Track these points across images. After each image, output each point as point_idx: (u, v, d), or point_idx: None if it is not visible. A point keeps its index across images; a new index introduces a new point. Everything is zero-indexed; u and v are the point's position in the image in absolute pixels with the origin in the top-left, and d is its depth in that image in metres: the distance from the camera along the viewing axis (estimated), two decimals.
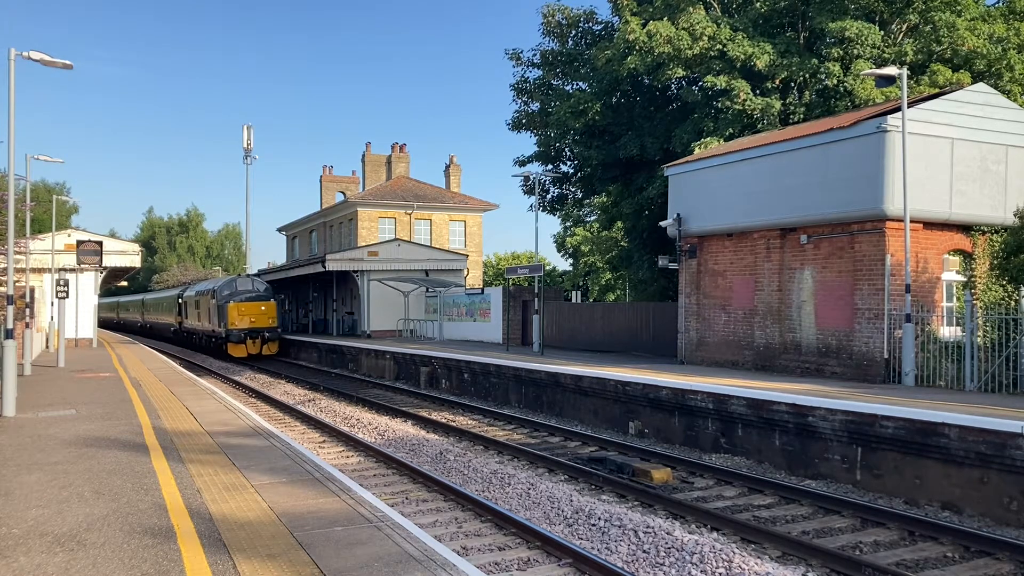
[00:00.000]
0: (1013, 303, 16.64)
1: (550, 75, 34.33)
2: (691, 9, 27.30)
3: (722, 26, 26.82)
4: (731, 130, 26.32)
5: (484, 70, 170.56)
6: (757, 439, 14.04)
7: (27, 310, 29.31)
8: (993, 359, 14.93)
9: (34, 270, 33.26)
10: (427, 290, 38.37)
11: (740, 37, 26.31)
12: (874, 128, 16.65)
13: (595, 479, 12.26)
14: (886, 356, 16.50)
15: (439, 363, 25.62)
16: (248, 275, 44.90)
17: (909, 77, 21.61)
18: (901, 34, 27.09)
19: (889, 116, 16.54)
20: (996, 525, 10.09)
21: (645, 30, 26.77)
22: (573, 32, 33.89)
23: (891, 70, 16.71)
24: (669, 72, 27.30)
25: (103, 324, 77.70)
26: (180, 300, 50.14)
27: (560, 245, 75.28)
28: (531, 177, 32.72)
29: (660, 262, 24.46)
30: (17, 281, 24.99)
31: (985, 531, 9.61)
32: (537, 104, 34.42)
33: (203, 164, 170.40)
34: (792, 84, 27.52)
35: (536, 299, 27.42)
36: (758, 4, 27.89)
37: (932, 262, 17.42)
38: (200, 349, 44.68)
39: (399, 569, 6.12)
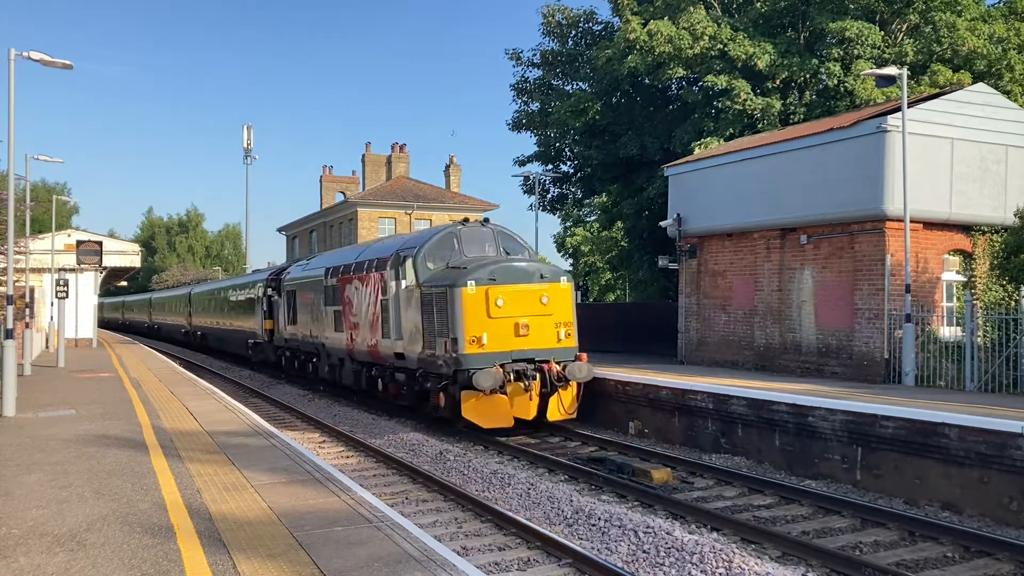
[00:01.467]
0: (1013, 303, 16.63)
1: (550, 75, 34.30)
2: (692, 9, 27.29)
3: (723, 26, 26.81)
4: (731, 130, 26.31)
5: (484, 70, 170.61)
6: (757, 439, 14.03)
7: (27, 310, 29.31)
8: (993, 359, 14.93)
9: (34, 270, 33.23)
10: None
11: (741, 37, 26.31)
12: (874, 128, 16.65)
13: (595, 479, 12.25)
14: (886, 356, 16.50)
15: None
16: (487, 222, 17.89)
17: (909, 77, 21.58)
18: (901, 34, 27.08)
19: (889, 116, 16.53)
20: (996, 525, 10.08)
21: (645, 29, 26.76)
22: (573, 32, 33.86)
23: (891, 70, 16.72)
24: (669, 72, 27.28)
25: (129, 328, 71.10)
26: (269, 291, 27.70)
27: (560, 245, 75.17)
28: (531, 177, 32.73)
29: (660, 262, 24.47)
30: (17, 281, 24.98)
31: (985, 531, 9.61)
32: (537, 104, 34.38)
33: (203, 164, 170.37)
34: (792, 84, 27.51)
35: None
36: (758, 4, 27.88)
37: (932, 262, 17.41)
38: (345, 388, 22.10)
39: (399, 569, 6.12)
